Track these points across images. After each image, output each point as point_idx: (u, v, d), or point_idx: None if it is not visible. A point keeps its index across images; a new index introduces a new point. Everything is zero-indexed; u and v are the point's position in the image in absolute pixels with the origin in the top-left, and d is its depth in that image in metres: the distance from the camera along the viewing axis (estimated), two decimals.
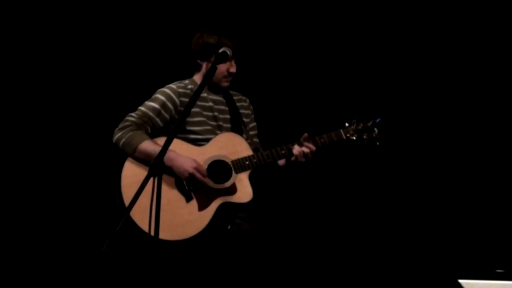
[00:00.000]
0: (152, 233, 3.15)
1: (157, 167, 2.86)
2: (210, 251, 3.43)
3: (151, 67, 4.78)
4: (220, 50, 3.35)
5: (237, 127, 3.62)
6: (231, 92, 3.72)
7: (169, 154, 3.36)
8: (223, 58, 3.37)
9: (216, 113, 3.60)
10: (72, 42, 4.80)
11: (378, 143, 3.52)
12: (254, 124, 3.76)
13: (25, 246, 4.72)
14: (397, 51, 4.76)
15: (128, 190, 3.40)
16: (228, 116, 3.63)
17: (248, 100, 3.77)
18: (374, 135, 3.53)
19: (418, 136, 4.69)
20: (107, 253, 2.70)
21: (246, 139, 3.59)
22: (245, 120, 3.69)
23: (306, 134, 3.51)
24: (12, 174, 4.74)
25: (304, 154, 3.46)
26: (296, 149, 3.47)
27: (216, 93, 3.65)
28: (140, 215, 3.28)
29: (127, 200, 3.38)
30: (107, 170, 4.53)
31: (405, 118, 4.66)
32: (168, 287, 3.40)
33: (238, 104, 3.70)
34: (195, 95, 3.15)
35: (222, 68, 3.53)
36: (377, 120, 3.53)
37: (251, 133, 3.71)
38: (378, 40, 4.78)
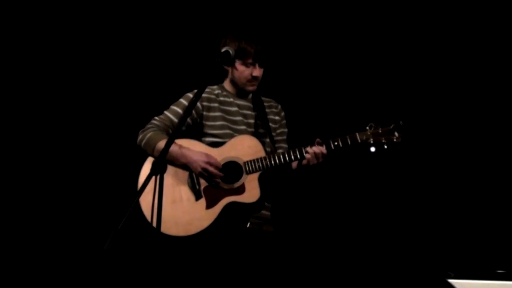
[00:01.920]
0: (160, 229, 3.30)
1: (159, 166, 2.92)
2: (224, 249, 3.50)
3: (185, 72, 4.86)
4: (223, 50, 3.42)
5: (261, 132, 3.70)
6: (263, 98, 3.79)
7: (183, 151, 3.52)
8: (226, 58, 3.43)
9: (240, 118, 3.69)
10: (99, 45, 4.94)
11: (398, 148, 3.48)
12: (283, 130, 3.81)
13: (28, 245, 4.76)
14: (424, 58, 4.73)
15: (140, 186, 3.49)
16: (252, 121, 3.70)
17: (279, 107, 3.83)
18: (394, 140, 3.48)
19: (418, 136, 4.67)
20: (108, 251, 2.71)
21: (270, 144, 3.66)
22: (273, 125, 3.75)
23: (318, 139, 3.51)
24: (17, 173, 4.84)
25: (315, 156, 3.47)
26: (308, 151, 3.48)
27: (243, 98, 3.74)
28: (152, 212, 3.31)
29: (142, 198, 3.48)
30: (110, 170, 4.60)
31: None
32: (177, 285, 3.49)
33: (267, 110, 3.76)
34: (195, 97, 3.23)
35: (245, 72, 3.63)
36: (400, 123, 3.48)
37: (278, 138, 3.77)
38: (404, 47, 4.76)
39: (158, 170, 2.91)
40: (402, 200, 4.70)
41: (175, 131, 3.19)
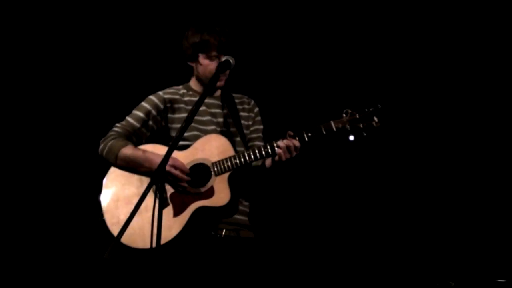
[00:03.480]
0: (128, 243, 3.17)
1: (159, 175, 2.80)
2: (199, 259, 3.28)
3: (153, 71, 4.73)
4: (223, 59, 3.26)
5: (232, 131, 3.45)
6: (234, 95, 3.56)
7: (147, 155, 3.29)
8: (226, 67, 3.26)
9: (208, 117, 3.46)
10: (71, 45, 4.83)
11: (377, 132, 3.22)
12: (257, 127, 3.56)
13: (28, 254, 4.71)
14: (395, 35, 4.64)
15: (104, 198, 3.35)
16: (222, 120, 3.47)
17: (252, 103, 3.58)
18: (374, 124, 3.23)
19: (414, 130, 4.59)
20: (109, 260, 2.68)
21: (243, 143, 3.42)
22: (245, 123, 3.52)
23: (290, 131, 3.25)
24: (14, 179, 4.78)
25: (288, 150, 3.21)
26: (279, 146, 3.22)
27: (211, 96, 3.51)
28: (113, 221, 3.23)
29: (104, 209, 3.31)
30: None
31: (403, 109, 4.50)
32: None
33: (239, 106, 3.53)
34: (195, 107, 3.04)
35: (210, 66, 3.39)
36: (378, 107, 3.23)
37: (253, 135, 3.53)
38: (374, 24, 4.65)
39: (157, 180, 2.79)
40: (400, 208, 4.65)
41: (176, 139, 2.97)
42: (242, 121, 3.51)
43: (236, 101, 3.55)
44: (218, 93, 3.54)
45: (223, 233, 3.32)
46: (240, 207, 3.39)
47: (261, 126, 3.59)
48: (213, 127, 3.44)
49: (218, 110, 3.50)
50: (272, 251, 4.44)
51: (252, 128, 3.55)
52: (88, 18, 4.79)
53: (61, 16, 4.78)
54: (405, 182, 4.60)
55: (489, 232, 4.46)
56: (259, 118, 3.58)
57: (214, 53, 3.38)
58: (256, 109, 3.59)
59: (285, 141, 3.21)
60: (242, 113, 3.53)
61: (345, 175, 4.68)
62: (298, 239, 4.65)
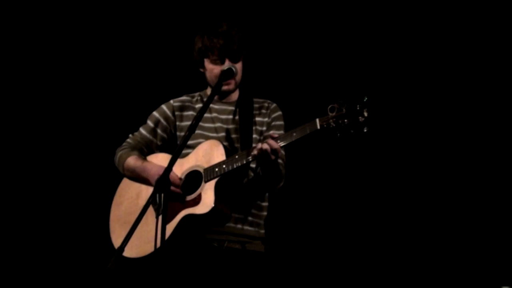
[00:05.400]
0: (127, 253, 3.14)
1: (161, 185, 2.81)
2: (187, 267, 3.21)
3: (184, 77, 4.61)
4: (225, 68, 3.23)
5: (244, 137, 3.31)
6: (255, 99, 3.43)
7: (144, 165, 3.29)
8: (228, 75, 3.23)
9: (219, 124, 3.36)
10: (87, 52, 4.89)
11: (366, 130, 2.92)
12: (274, 132, 3.28)
13: (30, 263, 4.74)
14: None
15: (114, 208, 3.40)
16: (232, 126, 3.36)
17: (272, 107, 3.41)
18: (363, 119, 2.92)
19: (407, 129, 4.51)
20: (112, 270, 2.69)
21: (247, 148, 3.22)
22: (259, 128, 3.36)
23: (272, 133, 3.09)
24: (18, 186, 4.82)
25: (262, 154, 3.02)
26: (256, 148, 3.05)
27: (226, 102, 3.41)
28: (116, 232, 3.27)
29: (112, 218, 3.38)
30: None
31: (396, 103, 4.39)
32: None
33: (256, 112, 3.39)
34: (199, 114, 3.04)
35: (215, 70, 3.31)
36: (364, 100, 2.93)
37: None
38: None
39: (160, 189, 2.81)
40: (404, 212, 4.64)
41: (180, 147, 2.98)
42: (256, 127, 3.37)
43: (255, 105, 3.42)
44: (234, 98, 3.43)
45: (225, 244, 3.21)
46: (249, 218, 3.27)
47: (280, 132, 3.34)
48: (222, 134, 3.34)
49: (230, 116, 3.39)
50: (282, 269, 4.32)
51: (267, 134, 3.34)
52: (121, 27, 4.87)
53: (98, 29, 4.88)
54: (408, 187, 4.59)
55: (493, 237, 4.44)
56: (279, 123, 3.40)
57: (215, 57, 3.29)
58: (276, 114, 3.41)
59: (263, 144, 3.02)
60: (257, 118, 3.39)
61: (350, 181, 4.66)
62: (314, 255, 4.56)
